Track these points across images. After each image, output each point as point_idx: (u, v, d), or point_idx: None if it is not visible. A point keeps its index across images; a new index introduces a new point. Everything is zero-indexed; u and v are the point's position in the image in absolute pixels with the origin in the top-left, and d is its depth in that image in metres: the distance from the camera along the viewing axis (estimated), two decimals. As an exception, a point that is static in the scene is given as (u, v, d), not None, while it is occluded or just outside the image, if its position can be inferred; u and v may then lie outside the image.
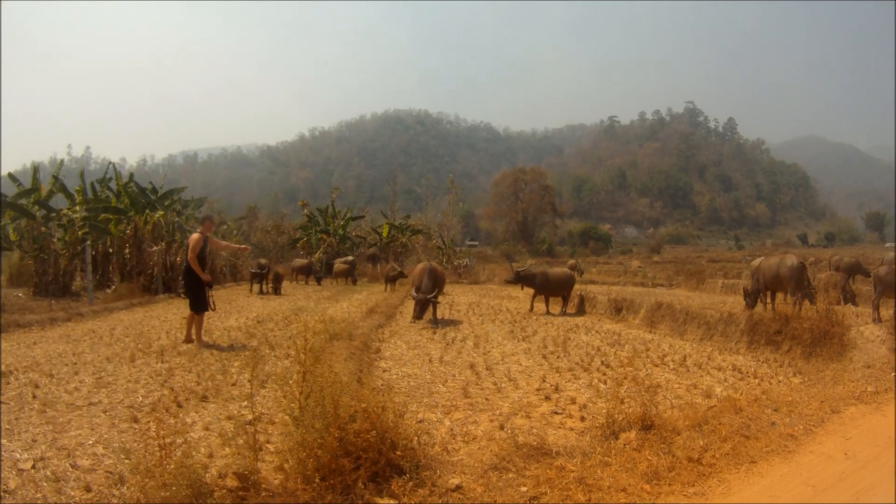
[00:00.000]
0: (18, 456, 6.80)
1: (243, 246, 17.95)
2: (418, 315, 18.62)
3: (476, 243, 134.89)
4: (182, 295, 26.62)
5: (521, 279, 23.82)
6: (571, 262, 63.74)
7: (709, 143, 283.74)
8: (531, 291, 24.21)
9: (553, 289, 23.49)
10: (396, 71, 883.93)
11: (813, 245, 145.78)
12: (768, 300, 23.25)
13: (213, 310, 14.95)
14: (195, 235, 14.40)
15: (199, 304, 14.24)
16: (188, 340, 14.29)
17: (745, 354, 14.07)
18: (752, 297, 23.49)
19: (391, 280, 33.60)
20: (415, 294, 19.01)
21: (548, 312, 23.18)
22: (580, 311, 23.81)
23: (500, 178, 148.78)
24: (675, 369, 12.06)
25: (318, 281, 39.80)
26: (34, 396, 9.35)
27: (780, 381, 11.00)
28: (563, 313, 22.86)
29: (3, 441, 7.29)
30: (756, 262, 26.59)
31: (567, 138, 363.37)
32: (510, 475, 6.09)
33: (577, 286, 29.02)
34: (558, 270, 24.57)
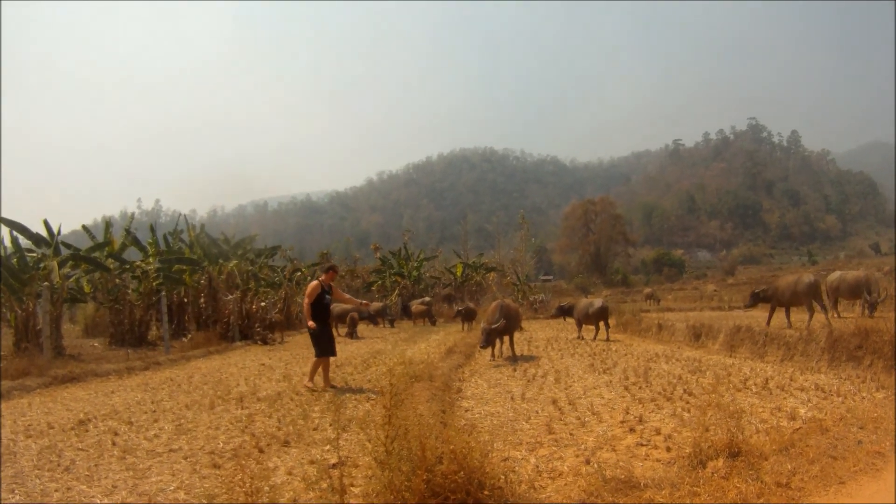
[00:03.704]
0: (98, 501, 6.96)
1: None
2: (483, 344, 18.75)
3: (550, 277, 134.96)
4: (259, 342, 27.16)
5: (562, 312, 27.27)
6: (648, 290, 63.95)
7: (774, 159, 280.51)
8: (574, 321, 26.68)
9: (581, 317, 25.69)
10: (459, 110, 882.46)
11: (886, 254, 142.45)
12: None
13: (329, 355, 14.91)
14: (313, 283, 14.90)
15: (320, 349, 14.56)
16: (325, 385, 14.56)
17: (827, 373, 13.96)
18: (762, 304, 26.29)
19: (467, 319, 33.58)
20: (484, 326, 19.20)
21: (588, 337, 25.59)
22: (658, 339, 23.88)
23: (570, 210, 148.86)
24: (758, 393, 11.91)
25: (392, 323, 39.73)
26: (114, 444, 9.53)
27: (863, 398, 10.88)
28: (595, 339, 24.81)
29: (83, 487, 7.47)
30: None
31: (633, 166, 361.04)
32: (598, 509, 6.05)
33: (654, 315, 29.89)
34: (583, 301, 27.21)
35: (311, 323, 14.37)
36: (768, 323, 23.73)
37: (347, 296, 16.87)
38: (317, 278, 15.43)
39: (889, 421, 8.57)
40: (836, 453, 7.33)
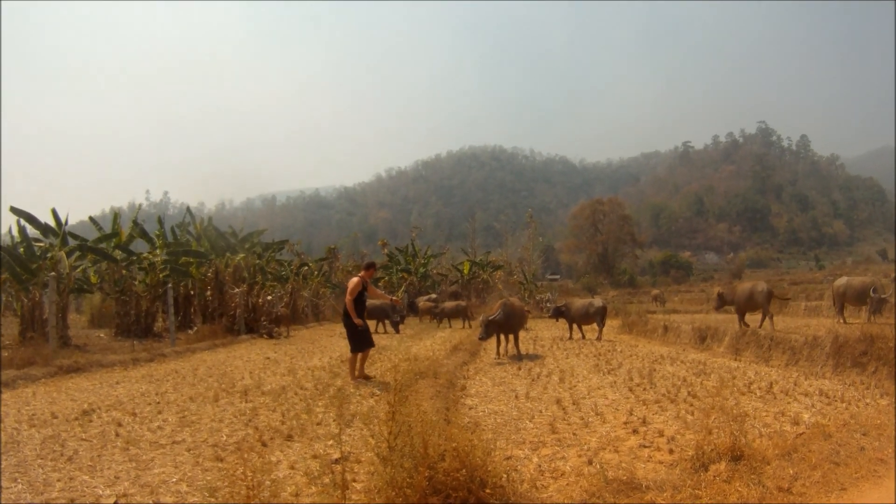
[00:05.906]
0: (101, 492, 6.96)
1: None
2: (482, 336, 19.08)
3: (557, 277, 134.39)
4: (265, 335, 27.22)
5: (557, 313, 26.71)
6: (655, 291, 63.75)
7: (783, 163, 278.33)
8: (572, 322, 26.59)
9: (578, 318, 25.85)
10: (469, 107, 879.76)
11: (893, 260, 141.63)
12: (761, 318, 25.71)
13: (367, 347, 15.21)
14: (354, 279, 15.06)
15: (357, 345, 14.75)
16: (360, 376, 14.74)
17: (832, 378, 13.93)
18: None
19: (439, 316, 34.87)
20: (482, 318, 19.55)
21: (577, 337, 26.06)
22: (664, 341, 23.93)
23: (579, 210, 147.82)
24: (762, 397, 11.91)
25: (402, 319, 39.35)
26: (117, 434, 9.57)
27: (867, 404, 10.87)
28: (599, 338, 24.85)
29: (85, 477, 7.48)
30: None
31: (642, 167, 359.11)
32: (600, 510, 6.04)
33: (659, 316, 30.01)
34: (580, 301, 27.21)
35: (357, 320, 14.54)
36: (740, 324, 24.57)
37: (380, 292, 17.24)
38: (356, 274, 15.74)
39: (892, 428, 8.57)
40: (839, 459, 7.33)
